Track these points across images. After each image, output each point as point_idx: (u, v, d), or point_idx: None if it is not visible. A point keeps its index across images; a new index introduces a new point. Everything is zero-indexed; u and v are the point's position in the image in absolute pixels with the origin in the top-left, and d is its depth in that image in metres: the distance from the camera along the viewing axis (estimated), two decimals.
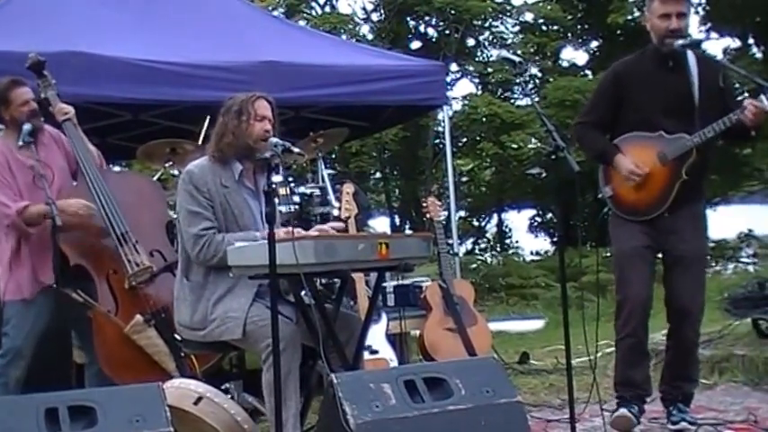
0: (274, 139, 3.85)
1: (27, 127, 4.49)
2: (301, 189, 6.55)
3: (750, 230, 17.39)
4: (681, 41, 4.29)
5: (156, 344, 4.66)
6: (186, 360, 4.61)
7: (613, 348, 4.84)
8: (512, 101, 20.05)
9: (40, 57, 4.89)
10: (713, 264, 15.44)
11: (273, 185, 3.65)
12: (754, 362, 5.95)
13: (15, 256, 4.64)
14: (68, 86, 5.15)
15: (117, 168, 10.92)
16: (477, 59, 21.50)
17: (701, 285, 4.50)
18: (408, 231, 19.55)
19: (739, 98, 4.35)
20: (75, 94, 5.23)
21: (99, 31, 6.55)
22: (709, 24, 18.14)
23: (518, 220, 23.29)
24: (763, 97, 4.15)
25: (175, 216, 4.41)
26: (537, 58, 20.61)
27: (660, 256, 4.55)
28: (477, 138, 19.61)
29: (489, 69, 20.44)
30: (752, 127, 4.25)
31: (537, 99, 17.11)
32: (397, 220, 21.86)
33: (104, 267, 4.74)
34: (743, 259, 16.79)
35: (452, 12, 19.42)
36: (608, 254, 4.81)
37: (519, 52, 18.61)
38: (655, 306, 4.47)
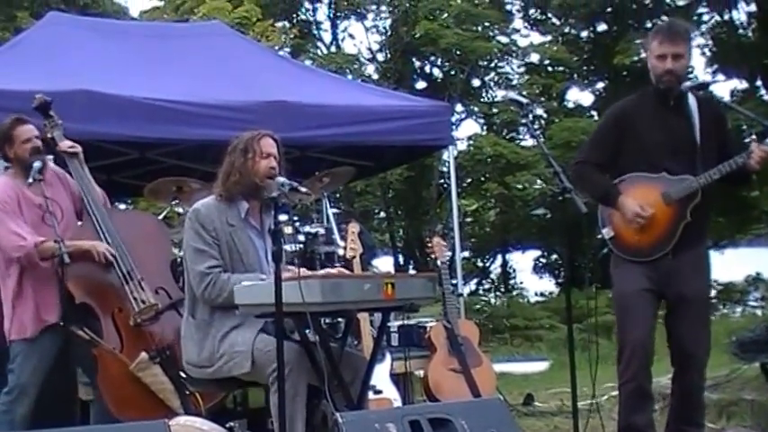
0: (281, 179, 3.87)
1: (37, 164, 4.53)
2: (306, 228, 6.55)
3: (758, 274, 17.34)
4: (688, 84, 4.30)
5: (161, 381, 4.65)
6: (191, 398, 4.59)
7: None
8: (517, 141, 20.13)
9: (46, 97, 4.94)
10: (721, 306, 15.40)
11: (279, 224, 3.65)
12: (763, 407, 5.89)
13: (18, 294, 4.65)
14: (77, 124, 5.19)
15: (122, 206, 10.96)
16: (482, 100, 21.63)
17: (704, 328, 4.43)
18: (412, 271, 19.53)
19: (746, 140, 4.33)
20: (84, 131, 5.26)
21: (107, 70, 6.61)
22: (715, 66, 18.25)
23: (522, 261, 23.29)
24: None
25: (180, 254, 4.41)
26: (542, 98, 20.71)
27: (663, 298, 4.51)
28: (482, 178, 19.69)
29: (494, 110, 20.56)
30: (755, 171, 4.25)
31: (542, 140, 17.17)
32: (401, 260, 21.84)
33: (110, 305, 4.74)
34: (750, 302, 16.74)
35: (458, 52, 19.57)
36: None
37: (524, 93, 18.71)
38: (661, 350, 4.43)
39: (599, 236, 4.55)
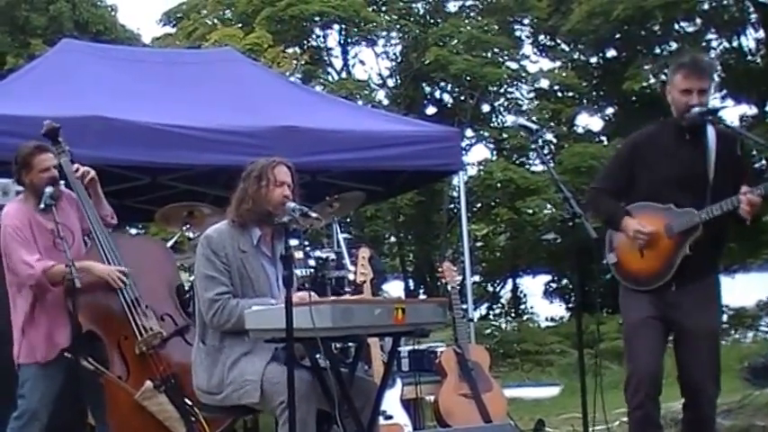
0: (292, 204, 3.88)
1: (49, 190, 4.55)
2: (317, 253, 6.56)
3: None
4: (697, 110, 4.29)
5: (167, 410, 4.63)
6: (197, 425, 4.58)
7: None
8: (527, 166, 20.16)
9: (54, 123, 4.96)
10: (732, 332, 15.29)
11: (290, 249, 3.67)
12: None
13: (29, 318, 4.66)
14: (89, 150, 5.23)
15: (134, 231, 11.00)
16: (492, 125, 21.68)
17: (713, 363, 4.36)
18: (422, 296, 19.50)
19: (755, 165, 4.30)
20: (96, 157, 5.30)
21: (120, 96, 6.66)
22: (724, 91, 18.28)
23: (533, 286, 23.24)
24: (760, 188, 4.12)
25: (190, 279, 4.42)
26: (552, 124, 20.75)
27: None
28: (492, 203, 19.70)
29: (504, 135, 20.60)
30: (750, 219, 4.22)
31: (552, 165, 17.20)
32: (412, 285, 21.82)
33: (115, 333, 4.73)
34: (762, 328, 16.62)
35: (468, 78, 19.64)
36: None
37: (534, 118, 18.76)
38: (672, 374, 4.41)
39: (604, 261, 4.54)
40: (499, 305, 23.43)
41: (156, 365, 4.68)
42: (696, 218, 4.25)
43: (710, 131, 4.36)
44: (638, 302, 4.37)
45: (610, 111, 21.50)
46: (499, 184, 18.80)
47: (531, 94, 21.50)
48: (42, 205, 4.51)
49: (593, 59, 21.16)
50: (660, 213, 4.34)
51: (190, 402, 4.40)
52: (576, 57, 21.20)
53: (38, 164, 4.71)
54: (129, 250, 4.91)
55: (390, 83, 22.33)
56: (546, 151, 20.25)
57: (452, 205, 19.36)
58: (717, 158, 4.33)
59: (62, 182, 4.94)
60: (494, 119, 21.98)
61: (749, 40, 18.74)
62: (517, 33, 21.88)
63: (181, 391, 4.52)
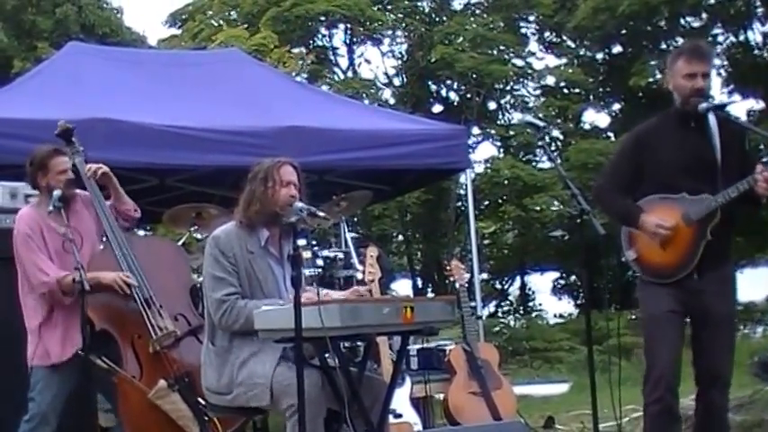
0: (299, 204, 3.88)
1: (56, 193, 4.56)
2: (325, 252, 6.56)
3: None
4: (705, 105, 4.29)
5: (180, 409, 4.63)
6: (210, 425, 4.59)
7: (640, 413, 4.76)
8: (534, 163, 20.15)
9: (68, 124, 4.96)
10: (741, 327, 15.25)
11: (298, 249, 3.67)
12: None
13: (46, 321, 4.66)
14: (96, 152, 5.22)
15: (142, 233, 11.01)
16: (498, 123, 21.68)
17: (729, 349, 4.37)
18: (431, 294, 19.51)
19: (764, 160, 4.29)
20: (103, 159, 5.28)
21: (126, 98, 6.68)
22: (731, 86, 18.25)
23: (541, 283, 23.25)
24: None
25: (200, 280, 4.42)
26: (559, 120, 20.73)
27: (688, 319, 4.47)
28: (500, 200, 19.70)
29: (511, 132, 20.59)
30: (763, 196, 4.22)
31: (559, 162, 17.18)
32: (420, 283, 21.83)
33: (129, 332, 4.74)
34: None
35: (474, 76, 19.65)
36: (633, 317, 4.73)
37: (541, 115, 18.76)
38: (684, 369, 4.40)
39: (623, 258, 4.52)
40: (507, 302, 23.46)
41: (169, 365, 4.68)
42: (713, 203, 4.23)
43: (712, 119, 4.37)
44: (658, 295, 4.34)
45: (616, 107, 21.50)
46: (506, 182, 18.81)
47: (538, 91, 21.51)
48: (50, 208, 4.52)
49: (599, 55, 21.14)
50: (674, 204, 4.32)
51: (203, 402, 4.40)
52: (581, 53, 21.19)
53: (55, 166, 4.72)
54: (143, 250, 4.92)
55: (396, 81, 22.36)
56: (553, 148, 20.26)
57: (460, 203, 19.37)
58: (721, 144, 4.33)
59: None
60: (500, 116, 21.98)
61: (756, 34, 18.73)
62: (523, 30, 21.88)
63: (194, 390, 4.51)
